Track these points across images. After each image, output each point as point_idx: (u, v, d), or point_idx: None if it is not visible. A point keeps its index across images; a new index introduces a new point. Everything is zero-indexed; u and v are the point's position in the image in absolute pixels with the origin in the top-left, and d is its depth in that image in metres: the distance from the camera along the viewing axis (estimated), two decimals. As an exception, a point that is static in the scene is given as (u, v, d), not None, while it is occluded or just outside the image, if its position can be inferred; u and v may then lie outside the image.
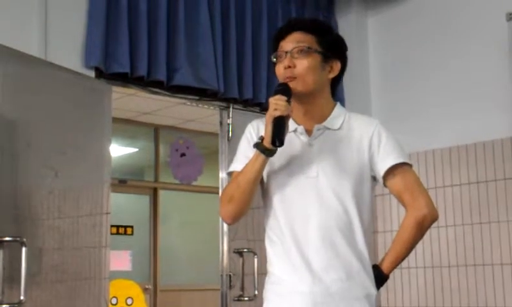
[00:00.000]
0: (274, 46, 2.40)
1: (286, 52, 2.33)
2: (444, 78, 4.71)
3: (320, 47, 2.34)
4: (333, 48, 2.39)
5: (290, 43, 2.34)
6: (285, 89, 2.27)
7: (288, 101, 2.23)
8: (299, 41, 2.33)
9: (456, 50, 4.68)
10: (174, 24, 4.04)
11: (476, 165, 4.46)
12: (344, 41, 2.49)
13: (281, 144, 2.21)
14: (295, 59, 2.31)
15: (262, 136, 2.25)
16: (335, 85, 2.45)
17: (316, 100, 2.37)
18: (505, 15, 4.33)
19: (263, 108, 4.39)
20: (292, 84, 2.29)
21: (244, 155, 2.37)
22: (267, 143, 2.21)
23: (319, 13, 4.92)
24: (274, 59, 2.38)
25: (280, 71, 2.33)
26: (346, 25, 5.05)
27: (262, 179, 2.34)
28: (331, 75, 2.40)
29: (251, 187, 2.28)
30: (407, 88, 4.92)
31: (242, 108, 4.41)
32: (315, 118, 2.37)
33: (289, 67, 2.31)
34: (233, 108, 4.36)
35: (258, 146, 2.24)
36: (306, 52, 2.32)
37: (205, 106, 4.49)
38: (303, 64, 2.31)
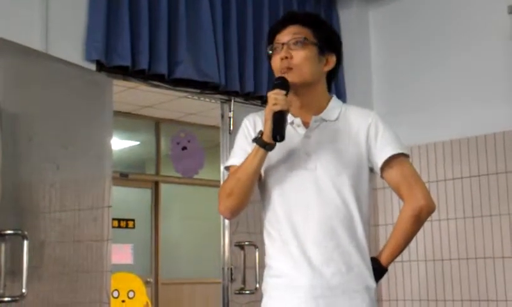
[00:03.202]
0: (270, 39, 2.40)
1: (282, 44, 2.33)
2: (445, 72, 4.71)
3: (316, 40, 2.35)
4: (328, 42, 2.40)
5: (286, 35, 2.34)
6: (283, 83, 2.27)
7: (286, 95, 2.23)
8: (295, 33, 2.34)
9: (457, 44, 4.68)
10: (175, 17, 4.04)
11: (477, 158, 4.46)
12: (339, 36, 2.51)
13: (282, 139, 2.21)
14: (291, 50, 2.32)
15: (261, 130, 2.25)
16: (331, 79, 2.46)
17: (312, 92, 2.38)
18: (507, 7, 4.32)
19: (264, 101, 4.39)
20: (289, 76, 2.29)
21: (242, 149, 2.37)
22: (266, 138, 2.22)
23: (320, 6, 4.91)
24: (270, 51, 2.38)
25: (276, 62, 2.34)
26: (347, 18, 5.04)
27: (260, 172, 2.34)
28: (327, 68, 2.41)
29: (250, 182, 2.28)
30: (408, 81, 4.92)
31: (243, 101, 4.41)
32: (311, 110, 2.38)
33: (286, 58, 2.31)
34: (234, 101, 4.36)
35: (258, 140, 2.24)
36: (302, 43, 2.32)
37: (206, 99, 4.49)
38: (299, 55, 2.32)
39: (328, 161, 2.31)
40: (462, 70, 4.61)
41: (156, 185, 9.26)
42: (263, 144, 2.23)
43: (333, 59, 2.41)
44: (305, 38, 2.33)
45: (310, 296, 2.22)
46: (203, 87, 4.23)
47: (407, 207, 2.34)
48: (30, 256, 3.02)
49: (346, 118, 2.40)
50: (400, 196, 2.37)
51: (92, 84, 3.65)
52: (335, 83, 4.71)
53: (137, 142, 9.43)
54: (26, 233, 3.02)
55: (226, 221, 4.22)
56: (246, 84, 4.34)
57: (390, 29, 5.09)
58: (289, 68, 2.30)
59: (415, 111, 4.78)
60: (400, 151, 2.35)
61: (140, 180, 9.27)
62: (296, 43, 2.32)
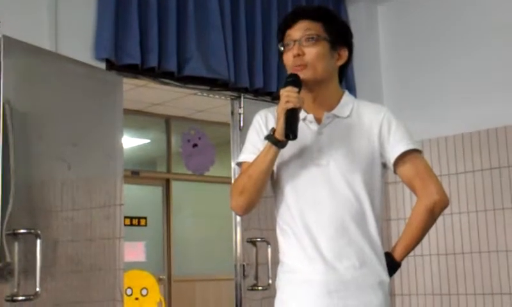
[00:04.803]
0: (280, 35, 2.39)
1: (294, 41, 2.32)
2: (455, 65, 4.69)
3: (328, 35, 2.34)
4: (340, 36, 2.39)
5: (298, 31, 2.33)
6: (295, 81, 2.26)
7: (298, 92, 2.23)
8: (307, 29, 2.32)
9: (467, 37, 4.66)
10: (184, 14, 4.04)
11: (489, 151, 4.44)
12: (350, 28, 2.49)
13: (295, 137, 2.20)
14: (304, 47, 2.31)
15: (273, 128, 2.25)
16: (343, 73, 2.45)
17: (325, 88, 2.37)
18: (516, -1, 4.30)
19: (274, 97, 4.38)
20: (302, 73, 2.28)
21: (253, 145, 2.37)
22: (279, 135, 2.21)
23: (329, 1, 4.89)
24: (282, 48, 2.37)
25: (289, 59, 2.33)
26: (356, 13, 5.03)
27: (272, 169, 2.33)
28: (339, 63, 2.40)
29: (262, 179, 2.28)
30: (418, 75, 4.90)
31: (253, 97, 4.40)
32: (324, 106, 2.37)
33: (298, 55, 2.30)
34: (244, 97, 4.35)
35: (270, 138, 2.24)
36: (315, 39, 2.31)
37: (216, 96, 4.49)
38: (312, 52, 2.31)
39: (340, 157, 2.30)
40: (472, 62, 4.59)
41: (167, 182, 9.27)
42: (275, 141, 2.22)
43: (345, 53, 2.40)
44: (318, 35, 2.32)
45: (324, 291, 2.22)
46: (213, 84, 4.23)
47: (421, 202, 2.33)
48: (43, 255, 3.04)
49: (358, 114, 2.39)
50: (414, 191, 2.36)
51: (102, 83, 3.66)
52: (344, 78, 4.74)
53: (148, 140, 9.45)
54: (39, 232, 3.04)
55: (238, 218, 4.22)
56: (256, 80, 4.34)
57: (398, 24, 5.07)
58: (302, 66, 2.30)
59: (426, 105, 4.77)
60: (413, 147, 2.35)
61: (151, 177, 9.28)
62: (308, 40, 2.31)
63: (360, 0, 5.07)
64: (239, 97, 4.36)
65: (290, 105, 2.19)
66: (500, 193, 4.37)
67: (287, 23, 2.37)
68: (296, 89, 2.22)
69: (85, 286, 3.42)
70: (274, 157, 2.25)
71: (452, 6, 4.77)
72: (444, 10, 4.81)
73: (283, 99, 2.21)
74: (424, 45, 4.89)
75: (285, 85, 2.25)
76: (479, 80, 4.55)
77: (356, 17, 4.99)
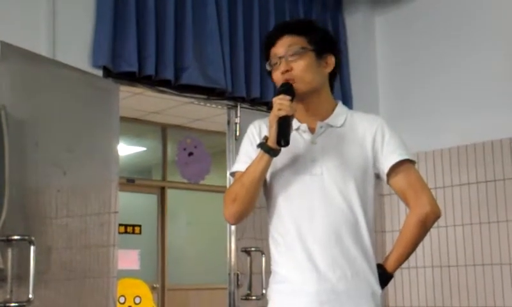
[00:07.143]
0: (266, 54, 2.41)
1: (280, 57, 2.34)
2: (451, 77, 4.70)
3: (311, 45, 2.35)
4: (324, 44, 2.40)
5: (281, 47, 2.35)
6: (288, 89, 2.27)
7: (291, 100, 2.23)
8: (290, 44, 2.34)
9: (463, 49, 4.67)
10: (182, 23, 4.05)
11: (484, 164, 4.45)
12: (332, 35, 2.52)
13: (287, 144, 2.21)
14: (290, 62, 2.32)
15: (266, 136, 2.25)
16: (333, 80, 2.47)
17: (317, 97, 2.38)
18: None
19: (270, 107, 4.37)
20: (293, 86, 2.29)
21: (247, 155, 2.37)
22: (271, 143, 2.22)
23: (327, 12, 4.91)
24: (269, 68, 2.39)
25: (278, 77, 2.35)
26: (354, 24, 5.05)
27: (265, 178, 2.34)
28: (328, 70, 2.41)
29: (255, 187, 2.28)
30: (414, 87, 4.91)
31: (249, 107, 4.41)
32: (317, 116, 2.38)
33: (287, 71, 2.32)
34: (240, 107, 4.36)
35: (263, 146, 2.24)
36: (300, 53, 2.33)
37: (213, 105, 4.49)
38: (299, 65, 2.32)
39: (333, 167, 2.31)
40: (468, 75, 4.60)
41: (162, 190, 9.27)
42: (268, 149, 2.23)
43: (332, 60, 2.42)
44: (302, 48, 2.33)
45: (316, 301, 2.22)
46: (210, 93, 4.23)
47: (412, 213, 2.34)
48: (37, 261, 3.02)
49: (352, 124, 2.40)
50: (406, 203, 2.37)
51: (99, 90, 3.66)
52: (341, 88, 4.76)
53: (144, 148, 9.45)
54: (33, 238, 3.03)
55: (233, 227, 4.22)
56: (252, 90, 4.35)
57: (396, 35, 5.09)
58: (291, 80, 2.31)
59: (422, 117, 4.77)
60: (406, 158, 2.35)
61: (146, 185, 9.28)
62: (293, 54, 2.33)
63: (358, 11, 5.09)
64: (236, 106, 4.36)
65: (282, 113, 2.20)
66: (495, 206, 4.37)
67: (271, 41, 2.39)
68: (289, 97, 2.24)
69: (78, 293, 3.41)
70: (266, 165, 2.26)
71: (450, 18, 4.78)
72: (442, 22, 4.82)
73: (275, 107, 2.23)
74: (421, 55, 4.90)
75: (278, 93, 2.26)
76: (475, 93, 4.55)
77: (353, 28, 5.01)
